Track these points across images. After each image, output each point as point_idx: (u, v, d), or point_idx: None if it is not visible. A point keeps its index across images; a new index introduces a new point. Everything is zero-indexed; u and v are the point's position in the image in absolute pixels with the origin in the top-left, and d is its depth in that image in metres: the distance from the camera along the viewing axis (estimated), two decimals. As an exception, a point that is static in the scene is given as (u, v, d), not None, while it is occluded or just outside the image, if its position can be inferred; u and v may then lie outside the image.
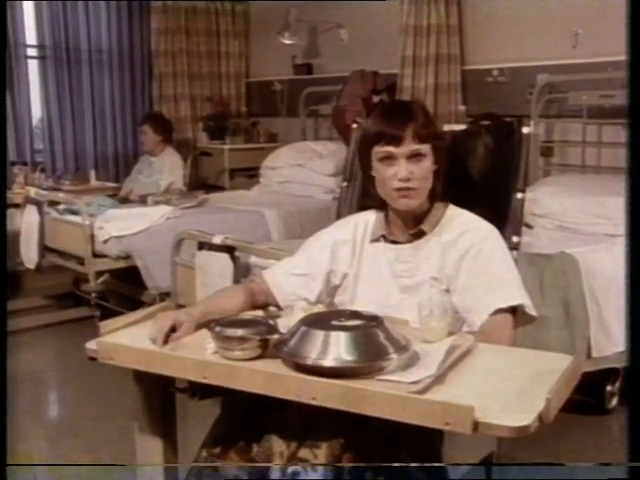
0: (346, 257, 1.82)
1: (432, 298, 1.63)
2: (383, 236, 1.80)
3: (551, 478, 1.53)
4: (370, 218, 1.85)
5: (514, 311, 1.64)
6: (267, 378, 1.31)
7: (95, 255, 3.98)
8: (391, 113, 1.76)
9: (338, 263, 1.82)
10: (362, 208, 1.95)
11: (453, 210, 1.78)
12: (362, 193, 2.03)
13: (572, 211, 3.44)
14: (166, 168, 4.93)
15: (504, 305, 1.63)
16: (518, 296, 1.65)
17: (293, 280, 1.82)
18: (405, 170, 1.68)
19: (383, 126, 1.71)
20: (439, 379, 1.28)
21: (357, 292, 1.80)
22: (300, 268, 1.83)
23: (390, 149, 1.69)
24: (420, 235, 1.76)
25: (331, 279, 1.82)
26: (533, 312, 1.67)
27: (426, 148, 1.69)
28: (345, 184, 2.29)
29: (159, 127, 4.96)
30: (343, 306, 1.79)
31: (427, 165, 1.70)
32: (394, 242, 1.79)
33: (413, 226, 1.76)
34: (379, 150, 1.71)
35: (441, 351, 1.34)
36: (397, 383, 1.26)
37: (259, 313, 1.66)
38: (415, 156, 1.68)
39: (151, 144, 4.97)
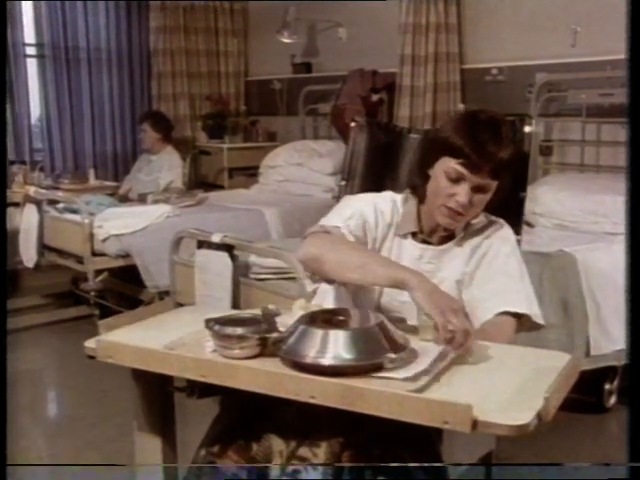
0: (380, 224, 1.75)
1: None
2: (412, 233, 1.76)
3: (550, 478, 1.53)
4: (399, 205, 1.78)
5: (519, 316, 1.65)
6: (266, 377, 1.31)
7: (94, 254, 3.98)
8: (484, 137, 1.60)
9: (372, 223, 1.75)
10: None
11: (482, 215, 1.77)
12: (407, 183, 1.95)
13: (571, 210, 3.45)
14: (165, 167, 4.93)
15: (510, 309, 1.64)
16: (525, 304, 1.66)
17: (351, 224, 1.72)
18: (467, 197, 1.62)
19: (470, 147, 1.60)
20: (437, 377, 1.28)
21: None
22: (349, 213, 1.74)
23: (464, 172, 1.61)
24: (450, 238, 1.76)
25: (366, 230, 1.74)
26: (540, 321, 1.68)
27: (493, 184, 1.65)
28: (344, 183, 2.29)
29: (158, 125, 4.96)
30: (371, 293, 1.75)
31: (486, 198, 1.66)
32: (423, 241, 1.76)
33: (444, 229, 1.75)
34: (451, 165, 1.63)
35: (437, 349, 1.35)
36: (395, 381, 1.26)
37: (258, 312, 1.66)
38: (482, 188, 1.64)
39: (150, 142, 4.97)
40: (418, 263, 1.75)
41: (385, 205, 1.78)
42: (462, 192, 1.63)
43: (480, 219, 1.77)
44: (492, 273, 1.69)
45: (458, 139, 1.62)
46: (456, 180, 1.63)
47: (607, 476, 1.48)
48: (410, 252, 1.76)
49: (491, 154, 1.59)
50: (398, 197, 1.82)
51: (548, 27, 4.07)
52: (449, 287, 1.71)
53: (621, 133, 3.70)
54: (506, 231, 1.77)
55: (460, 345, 1.35)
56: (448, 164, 1.64)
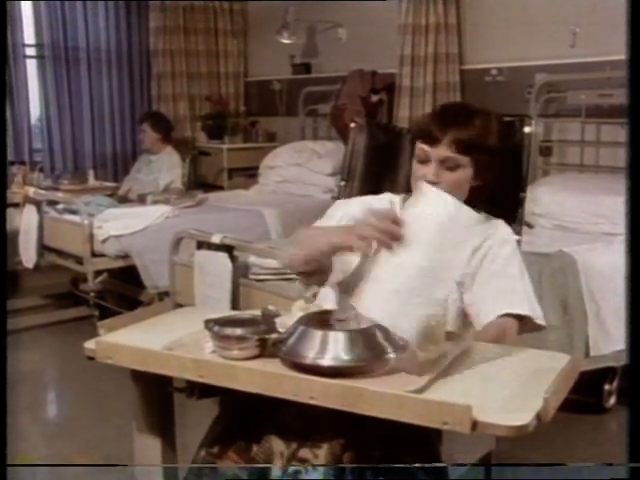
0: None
1: (448, 301, 1.62)
2: None
3: (550, 478, 1.53)
4: (396, 206, 1.79)
5: (520, 318, 1.65)
6: (265, 377, 1.31)
7: (94, 254, 3.99)
8: (441, 113, 1.71)
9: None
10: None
11: (483, 216, 1.77)
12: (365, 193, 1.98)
13: (571, 210, 3.45)
14: (165, 167, 4.93)
15: (512, 311, 1.63)
16: (527, 306, 1.65)
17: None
18: (433, 174, 1.64)
19: (427, 123, 1.68)
20: (437, 378, 1.28)
21: None
22: (343, 220, 1.74)
23: (425, 148, 1.66)
24: None
25: None
26: (542, 322, 1.67)
27: (464, 160, 1.65)
28: (343, 183, 2.29)
29: (158, 125, 4.97)
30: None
31: (462, 177, 1.66)
32: None
33: None
34: (417, 146, 1.69)
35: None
36: (395, 382, 1.26)
37: (257, 312, 1.66)
38: (449, 164, 1.65)
39: (150, 142, 4.97)
40: None
41: (382, 206, 1.78)
42: (429, 170, 1.65)
43: (479, 219, 1.76)
44: (493, 275, 1.68)
45: (421, 122, 1.73)
46: (425, 161, 1.67)
47: (607, 476, 1.48)
48: None
49: (448, 126, 1.64)
50: (397, 198, 1.82)
51: (547, 28, 4.07)
52: (449, 288, 1.71)
53: (620, 134, 3.71)
54: (506, 232, 1.77)
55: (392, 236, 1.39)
56: (416, 147, 1.69)
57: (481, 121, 1.67)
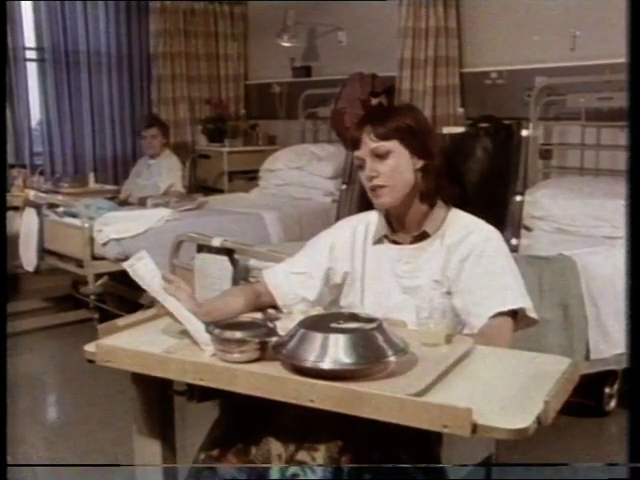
0: (345, 256, 1.82)
1: (433, 300, 1.63)
2: (386, 236, 1.80)
3: (550, 478, 1.53)
4: (372, 219, 1.85)
5: (514, 314, 1.65)
6: (265, 380, 1.31)
7: (94, 258, 3.98)
8: (359, 121, 1.80)
9: (337, 261, 1.82)
10: (361, 210, 1.95)
11: (456, 213, 1.78)
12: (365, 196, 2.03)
13: (571, 213, 3.44)
14: (165, 170, 4.93)
15: (504, 309, 1.63)
16: (519, 300, 1.65)
17: (292, 279, 1.82)
18: (369, 169, 1.72)
19: (351, 134, 1.78)
20: (437, 381, 1.28)
21: (365, 293, 1.81)
22: (299, 267, 1.84)
23: (356, 153, 1.75)
24: (423, 237, 1.76)
25: (331, 277, 1.83)
26: (534, 315, 1.67)
27: (389, 145, 1.70)
28: (344, 186, 2.30)
29: (164, 129, 4.99)
30: (353, 308, 1.78)
31: (396, 162, 1.71)
32: (397, 242, 1.79)
33: (415, 228, 1.76)
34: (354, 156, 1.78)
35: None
36: (395, 385, 1.26)
37: (258, 315, 1.66)
38: (378, 154, 1.71)
39: (159, 147, 4.94)
40: (397, 264, 1.76)
41: (346, 233, 1.85)
42: (366, 168, 1.73)
43: (454, 214, 1.77)
44: (481, 275, 1.67)
45: (350, 135, 1.80)
46: (362, 165, 1.75)
47: (607, 476, 1.48)
48: (388, 255, 1.79)
49: (364, 124, 1.73)
50: (374, 212, 1.85)
51: (547, 31, 4.07)
52: (428, 287, 1.71)
53: (620, 137, 3.71)
54: (488, 230, 1.75)
55: None
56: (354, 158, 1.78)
57: (395, 110, 1.80)
